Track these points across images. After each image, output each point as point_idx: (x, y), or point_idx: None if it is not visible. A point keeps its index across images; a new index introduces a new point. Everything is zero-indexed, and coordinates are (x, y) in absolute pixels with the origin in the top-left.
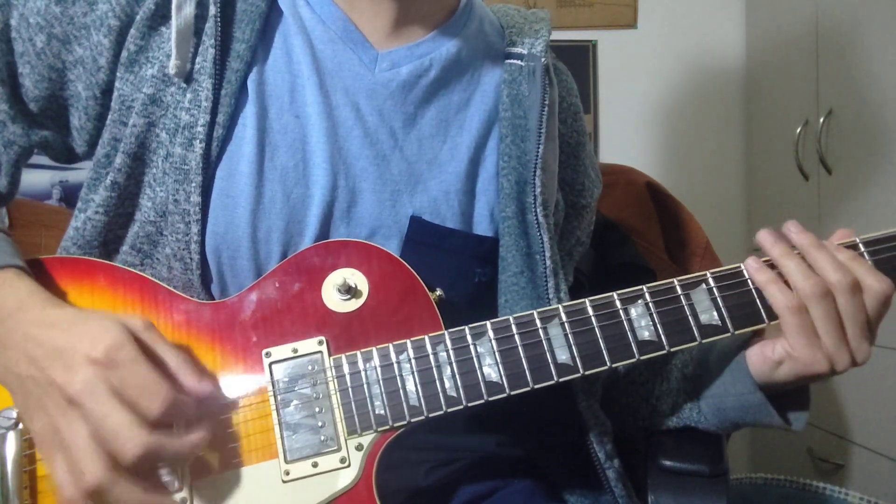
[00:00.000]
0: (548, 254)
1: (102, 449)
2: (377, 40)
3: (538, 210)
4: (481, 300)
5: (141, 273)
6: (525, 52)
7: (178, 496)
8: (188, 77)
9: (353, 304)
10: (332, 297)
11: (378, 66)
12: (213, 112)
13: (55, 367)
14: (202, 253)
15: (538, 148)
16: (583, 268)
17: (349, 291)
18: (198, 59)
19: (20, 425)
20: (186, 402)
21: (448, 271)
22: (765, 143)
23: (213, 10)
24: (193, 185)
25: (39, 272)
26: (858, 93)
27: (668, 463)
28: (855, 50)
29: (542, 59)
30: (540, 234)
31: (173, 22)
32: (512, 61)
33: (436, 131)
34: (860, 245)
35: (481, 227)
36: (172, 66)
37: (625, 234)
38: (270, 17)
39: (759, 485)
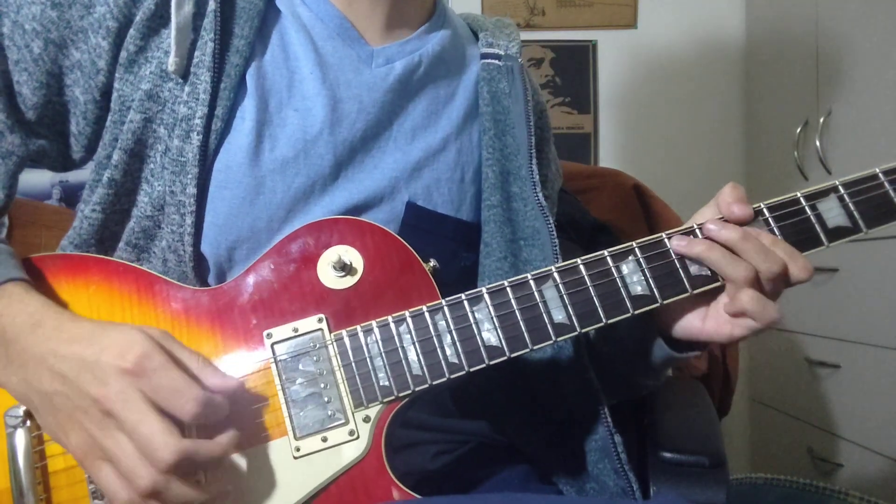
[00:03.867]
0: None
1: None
2: (371, 37)
3: (538, 190)
4: (464, 284)
5: (134, 265)
6: (502, 52)
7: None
8: (185, 72)
9: (350, 281)
10: (328, 275)
11: (374, 61)
12: (212, 105)
13: (86, 380)
14: (195, 245)
15: (530, 138)
16: None
17: (344, 268)
18: (196, 54)
19: (28, 422)
20: (217, 402)
21: (438, 255)
22: (765, 143)
23: (212, 5)
24: (189, 176)
25: (31, 271)
26: (858, 93)
27: (668, 455)
28: (855, 50)
29: (519, 60)
30: (544, 214)
31: (172, 19)
32: (489, 61)
33: (427, 123)
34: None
35: (467, 214)
36: (171, 63)
37: (614, 236)
38: (267, 16)
39: (759, 485)
